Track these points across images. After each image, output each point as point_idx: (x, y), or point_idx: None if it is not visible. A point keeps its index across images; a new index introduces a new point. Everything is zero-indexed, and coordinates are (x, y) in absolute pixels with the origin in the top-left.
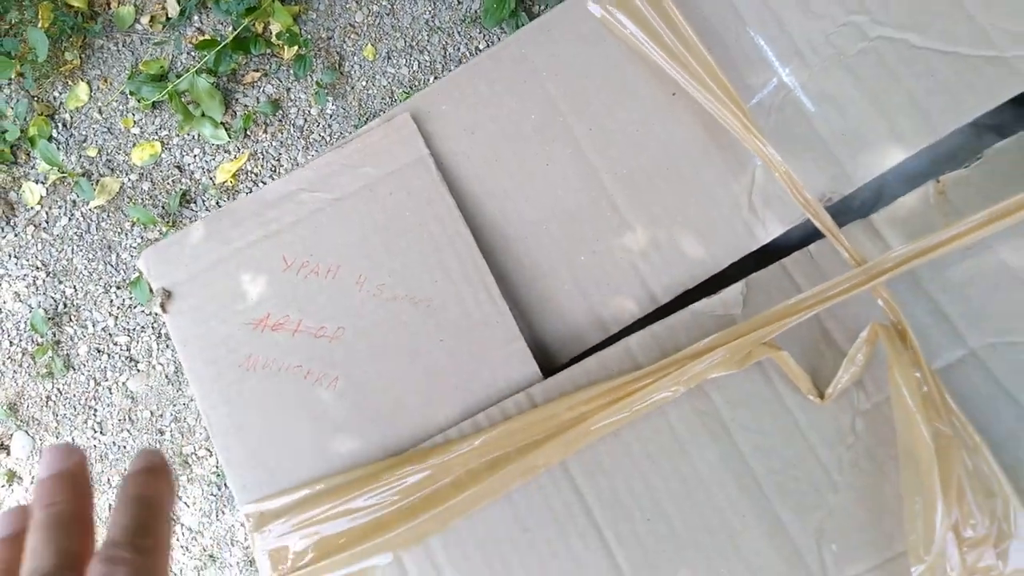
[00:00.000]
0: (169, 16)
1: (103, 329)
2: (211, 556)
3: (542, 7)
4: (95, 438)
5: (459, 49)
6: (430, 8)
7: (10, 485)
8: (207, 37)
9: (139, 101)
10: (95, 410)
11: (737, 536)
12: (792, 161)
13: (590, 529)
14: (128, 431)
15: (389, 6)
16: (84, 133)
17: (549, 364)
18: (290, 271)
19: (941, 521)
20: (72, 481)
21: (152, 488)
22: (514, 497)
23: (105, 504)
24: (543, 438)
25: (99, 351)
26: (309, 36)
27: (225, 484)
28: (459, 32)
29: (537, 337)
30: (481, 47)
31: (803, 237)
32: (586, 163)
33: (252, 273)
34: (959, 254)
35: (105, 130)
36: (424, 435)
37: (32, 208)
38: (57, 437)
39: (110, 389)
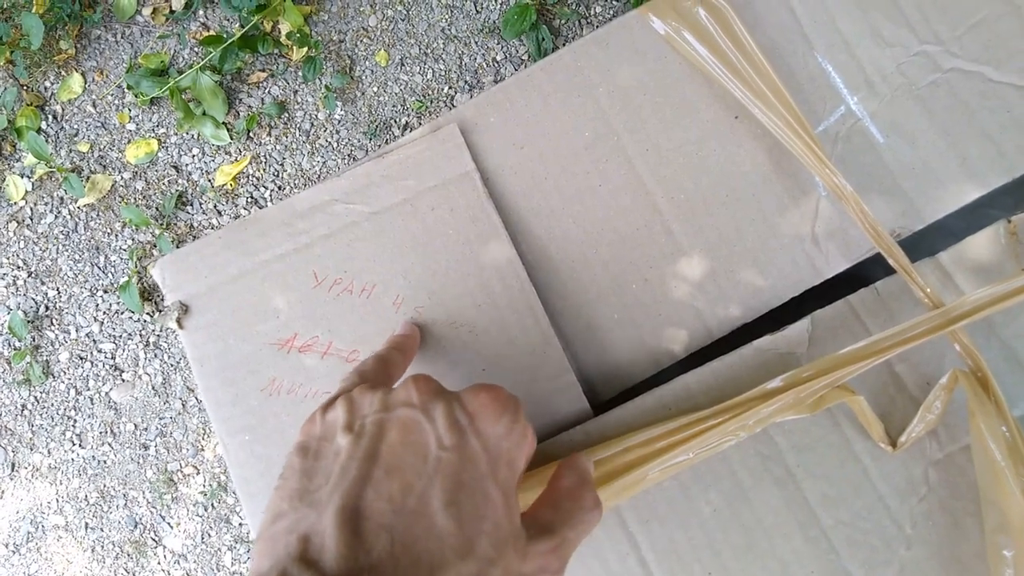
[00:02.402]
0: (173, 9)
1: (87, 335)
2: None
3: (563, 21)
4: (73, 451)
5: (475, 59)
6: (447, 16)
7: None
8: (212, 33)
9: (136, 96)
10: (75, 421)
11: None
12: (859, 193)
13: None
14: (109, 444)
15: (404, 11)
16: (76, 127)
17: (595, 399)
18: (321, 288)
19: None
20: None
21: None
22: None
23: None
24: (597, 481)
25: (81, 358)
26: (320, 38)
27: (213, 504)
28: (476, 42)
29: (583, 368)
30: (499, 58)
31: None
32: (640, 185)
33: (279, 288)
34: None
35: (99, 125)
36: None
37: (15, 203)
38: (31, 450)
39: (92, 399)
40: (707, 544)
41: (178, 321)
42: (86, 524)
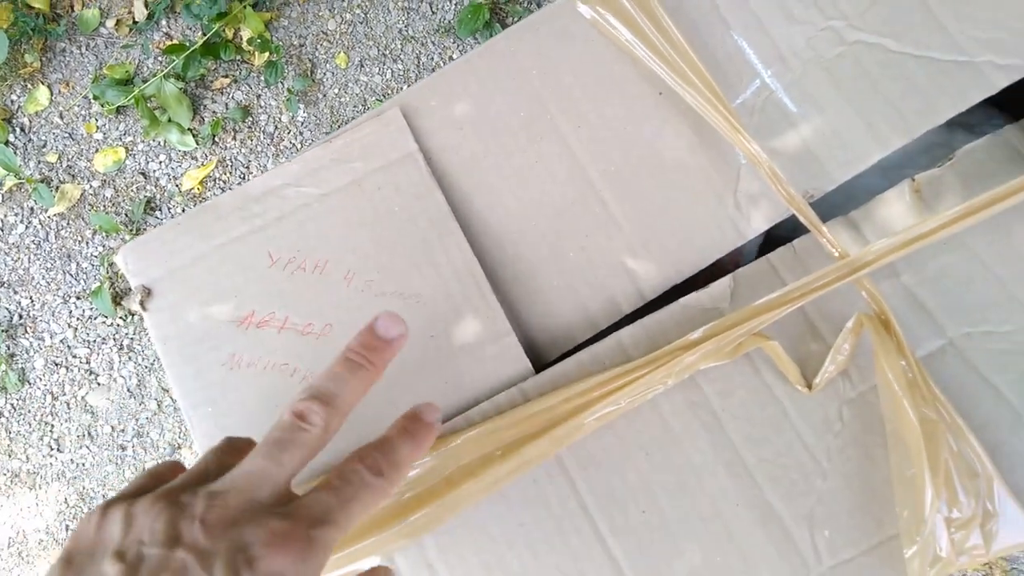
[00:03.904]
0: (136, 20)
1: (61, 341)
2: None
3: (515, 18)
4: (52, 455)
5: (432, 58)
6: (404, 17)
7: None
8: (175, 42)
9: (103, 106)
10: (52, 426)
11: (730, 524)
12: (775, 159)
13: (585, 522)
14: (88, 447)
15: (362, 15)
16: (44, 138)
17: (539, 360)
18: (276, 267)
19: (930, 503)
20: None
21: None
22: (508, 492)
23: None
24: (536, 432)
25: (57, 364)
26: (281, 43)
27: None
28: (432, 42)
29: (526, 333)
30: (455, 56)
31: (786, 234)
32: (574, 160)
33: (236, 269)
34: (935, 249)
35: (66, 135)
36: None
37: None
38: (9, 456)
39: (68, 404)
40: (641, 486)
41: (141, 304)
42: (67, 527)
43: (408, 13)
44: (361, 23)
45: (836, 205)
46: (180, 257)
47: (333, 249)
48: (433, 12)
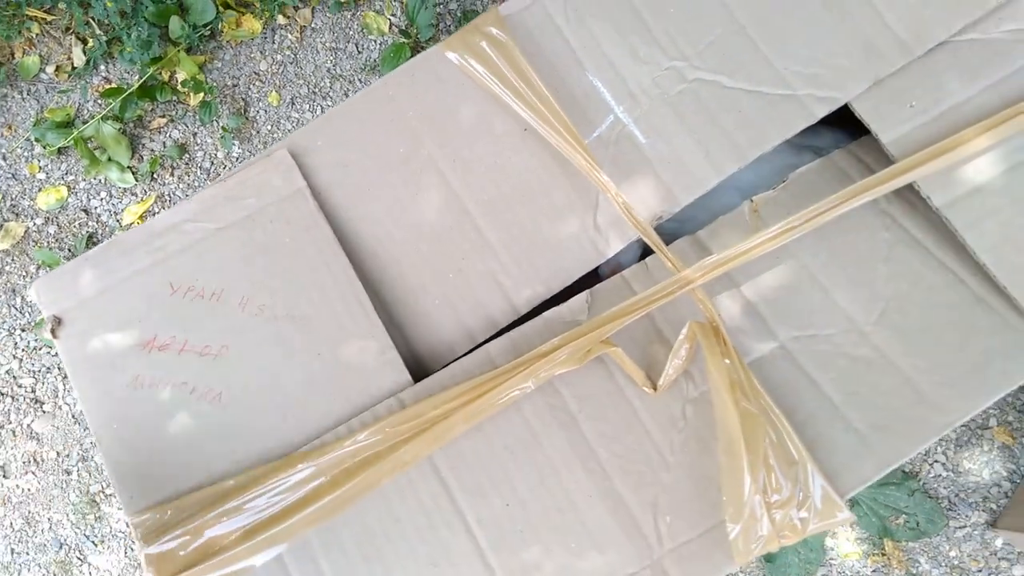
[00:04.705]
0: (75, 65)
1: (7, 372)
2: None
3: None
4: None
5: None
6: (332, 57)
7: None
8: (113, 86)
9: (44, 147)
10: None
11: (583, 513)
12: (628, 186)
13: (455, 516)
14: (33, 473)
15: (292, 55)
16: None
17: (424, 372)
18: (176, 295)
19: (749, 487)
20: None
21: None
22: (386, 491)
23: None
24: (411, 436)
25: (3, 394)
26: (215, 83)
27: None
28: (359, 79)
29: (412, 348)
30: None
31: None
32: (450, 191)
33: (140, 298)
34: (769, 261)
35: (10, 176)
36: (304, 441)
37: None
38: None
39: (14, 432)
40: (505, 481)
41: (52, 332)
42: (12, 550)
43: (336, 53)
44: (291, 63)
45: (703, 223)
46: (89, 289)
47: (229, 278)
48: (359, 51)
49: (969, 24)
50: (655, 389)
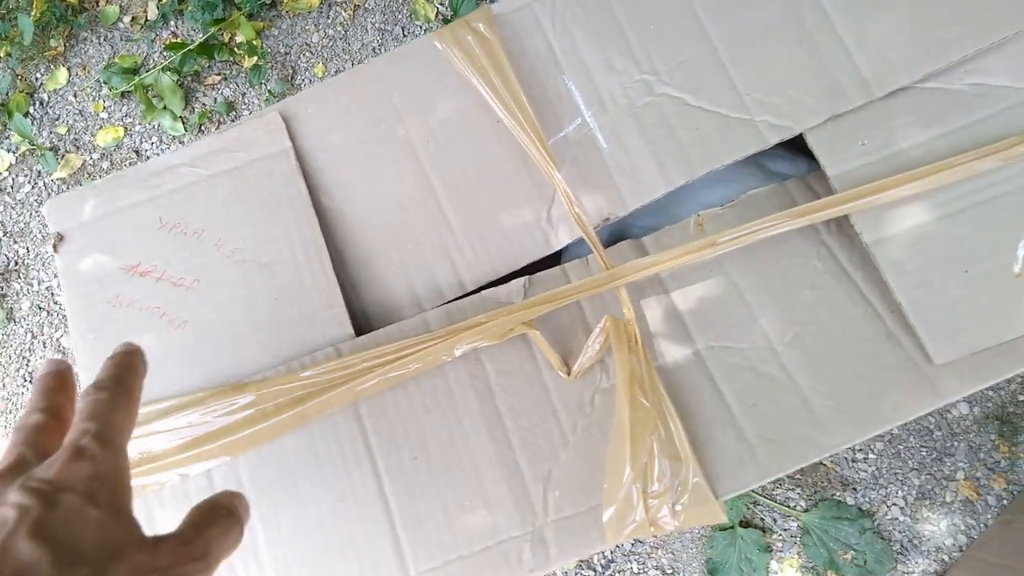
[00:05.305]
0: (148, 18)
1: (47, 288)
2: None
3: None
4: (24, 386)
5: None
6: (379, 37)
7: None
8: (178, 40)
9: (110, 89)
10: (28, 360)
11: (481, 475)
12: (585, 186)
13: (366, 459)
14: None
15: (343, 31)
16: (58, 112)
17: (369, 329)
18: (163, 229)
19: (628, 475)
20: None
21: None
22: (312, 429)
23: None
24: (341, 383)
25: (40, 308)
26: (269, 50)
27: None
28: None
29: (364, 307)
30: None
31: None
32: (420, 168)
33: (131, 227)
34: (703, 273)
35: (77, 112)
36: (251, 373)
37: (0, 173)
38: None
39: (44, 343)
40: (418, 437)
41: (54, 247)
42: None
43: (383, 34)
44: (341, 39)
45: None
46: (90, 213)
47: (211, 220)
48: (404, 35)
49: (933, 73)
50: (569, 374)
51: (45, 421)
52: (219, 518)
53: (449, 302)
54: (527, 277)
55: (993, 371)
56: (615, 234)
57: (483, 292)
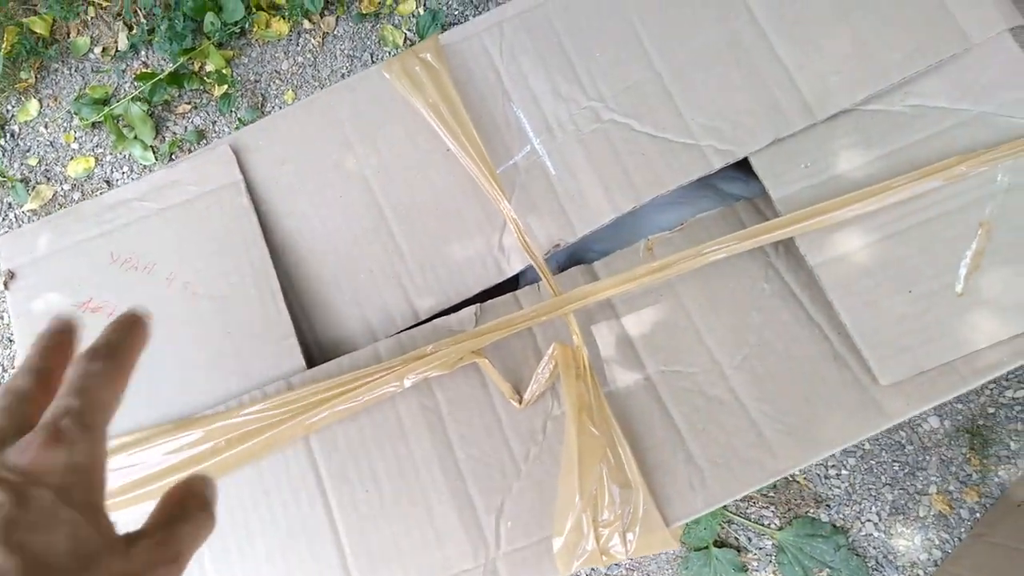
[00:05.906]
0: (119, 49)
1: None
2: None
3: None
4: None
5: None
6: (348, 64)
7: None
8: (149, 70)
9: (81, 120)
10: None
11: (433, 508)
12: (535, 212)
13: (318, 495)
14: None
15: (312, 59)
16: (29, 144)
17: (324, 360)
18: (115, 264)
19: (578, 505)
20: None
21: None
22: (262, 465)
23: None
24: (291, 417)
25: (10, 340)
26: (239, 78)
27: None
28: None
29: (317, 338)
30: None
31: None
32: (372, 197)
33: (83, 263)
34: (653, 297)
35: (48, 143)
36: (201, 408)
37: None
38: None
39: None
40: (368, 469)
41: (5, 284)
42: None
43: (352, 60)
44: (311, 66)
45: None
46: (44, 248)
47: (162, 254)
48: (373, 61)
49: (874, 95)
50: (521, 403)
51: (32, 386)
52: (192, 512)
53: (402, 331)
54: (479, 305)
55: (939, 390)
56: (573, 257)
57: (435, 320)
